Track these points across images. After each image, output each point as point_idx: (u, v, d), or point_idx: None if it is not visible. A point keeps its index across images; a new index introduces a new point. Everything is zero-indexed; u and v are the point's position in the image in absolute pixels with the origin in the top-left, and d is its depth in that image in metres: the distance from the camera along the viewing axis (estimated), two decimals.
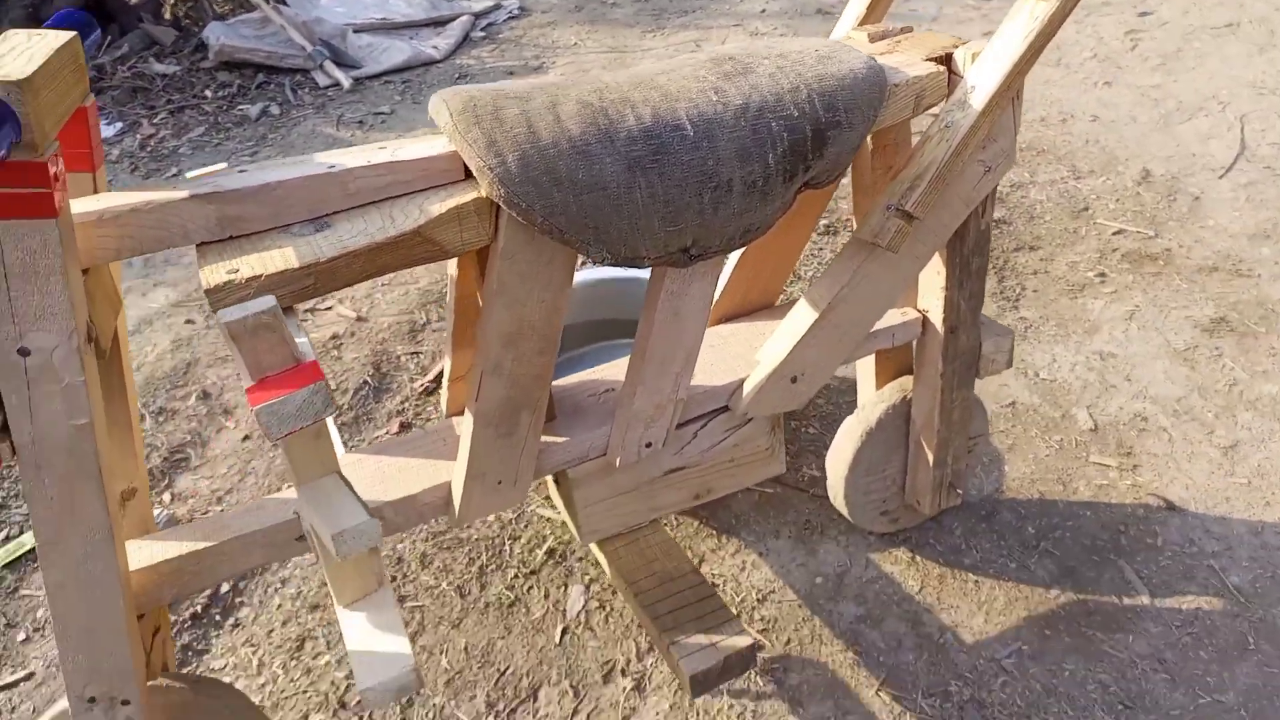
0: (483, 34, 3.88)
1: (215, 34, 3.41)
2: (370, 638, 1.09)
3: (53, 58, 0.84)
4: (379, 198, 1.03)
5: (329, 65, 3.42)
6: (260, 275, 0.91)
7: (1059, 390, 2.00)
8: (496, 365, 1.10)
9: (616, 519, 1.34)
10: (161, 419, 2.02)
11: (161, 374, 2.12)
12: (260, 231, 0.99)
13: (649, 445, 1.26)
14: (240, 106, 3.25)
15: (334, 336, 2.23)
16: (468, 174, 1.05)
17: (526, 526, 1.77)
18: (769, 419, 1.38)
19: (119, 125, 3.13)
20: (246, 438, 1.98)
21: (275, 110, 3.25)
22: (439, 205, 1.00)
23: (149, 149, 3.05)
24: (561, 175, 0.99)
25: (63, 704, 1.14)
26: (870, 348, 1.39)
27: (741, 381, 1.33)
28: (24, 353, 0.87)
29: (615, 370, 1.38)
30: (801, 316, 1.29)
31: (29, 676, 1.58)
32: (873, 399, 1.54)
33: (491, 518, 1.79)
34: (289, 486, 1.81)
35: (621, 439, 1.23)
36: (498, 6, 4.07)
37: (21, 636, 1.64)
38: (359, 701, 1.50)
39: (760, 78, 1.11)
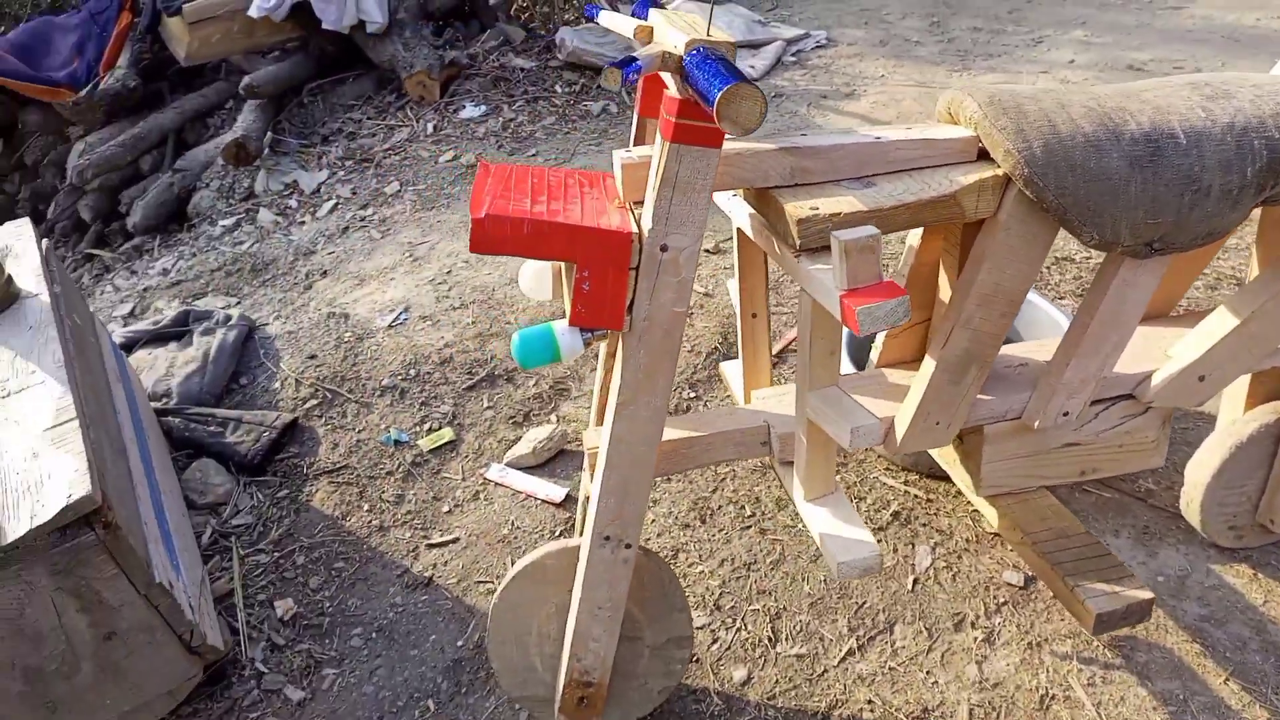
0: (793, 59, 4.15)
1: (567, 38, 3.84)
2: (835, 526, 1.31)
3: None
4: (909, 167, 1.26)
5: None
6: (839, 213, 1.15)
7: None
8: (968, 321, 1.30)
9: (1012, 479, 1.51)
10: None
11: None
12: (819, 183, 1.24)
13: (1066, 414, 1.43)
14: (584, 103, 3.65)
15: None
16: (979, 156, 1.27)
17: (870, 490, 1.96)
18: (1161, 414, 1.52)
19: (484, 108, 3.59)
20: None
21: (614, 109, 3.63)
22: (965, 177, 1.22)
23: (510, 130, 3.48)
24: (1076, 163, 1.19)
25: (556, 545, 1.42)
26: (1271, 362, 1.51)
27: (1148, 374, 1.48)
28: (664, 249, 1.15)
29: (1025, 349, 1.56)
30: (1220, 321, 1.43)
31: (455, 540, 1.91)
32: (1246, 416, 1.64)
33: (838, 478, 1.99)
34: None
35: (1044, 404, 1.41)
36: (806, 35, 4.34)
37: (445, 509, 1.99)
38: (732, 606, 1.73)
39: (1242, 101, 1.27)
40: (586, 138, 3.44)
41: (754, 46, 4.17)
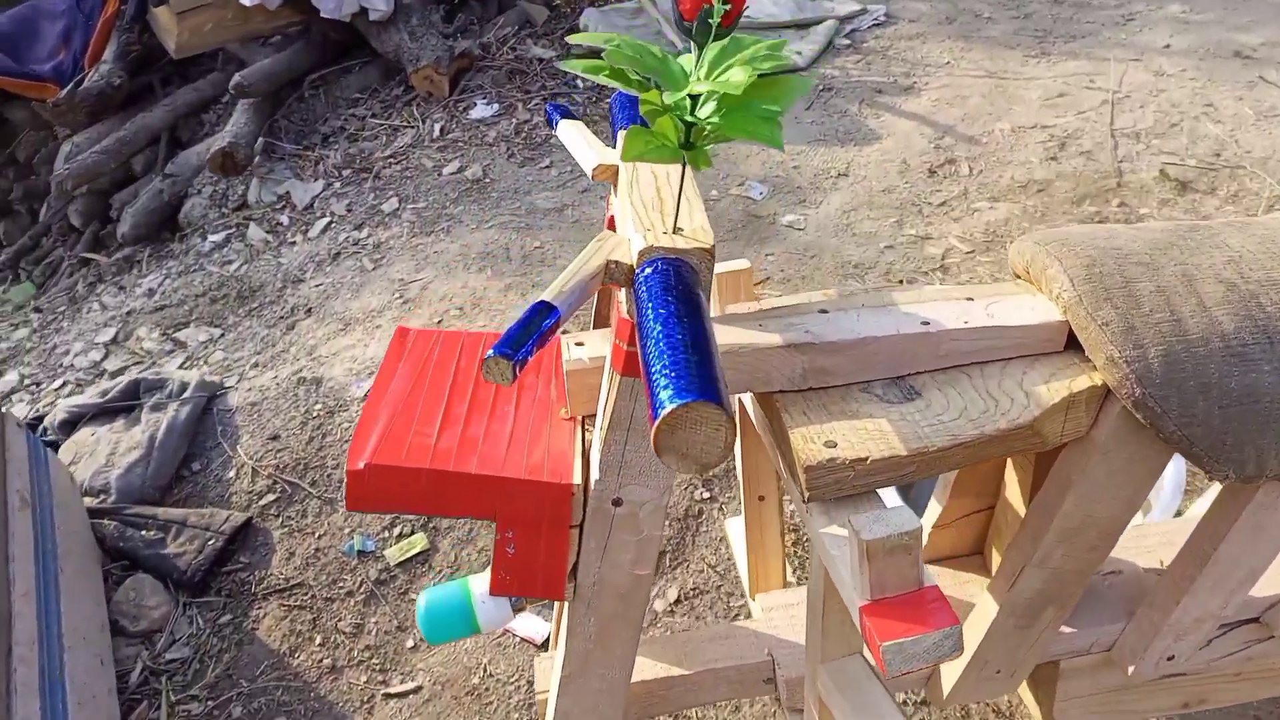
0: (846, 41, 3.70)
1: (591, 22, 3.44)
2: None
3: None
4: (966, 362, 0.91)
5: None
6: (865, 459, 0.81)
7: None
8: (1045, 559, 0.96)
9: (1092, 716, 1.17)
10: None
11: None
12: (839, 385, 0.89)
13: (1170, 659, 1.08)
14: (608, 99, 3.26)
15: None
16: (1069, 343, 0.91)
17: None
18: None
19: (496, 107, 3.23)
20: None
21: None
22: (1047, 390, 0.87)
23: (523, 135, 3.13)
24: (1211, 381, 0.83)
25: None
26: None
27: None
28: (617, 503, 0.83)
29: (1121, 544, 1.20)
30: None
31: (416, 689, 1.63)
32: None
33: None
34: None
35: (1143, 647, 1.06)
36: (864, 11, 3.87)
37: (410, 643, 1.70)
38: None
39: None
40: (608, 143, 3.07)
41: (802, 27, 3.72)
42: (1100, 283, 0.87)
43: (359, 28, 3.40)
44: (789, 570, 1.31)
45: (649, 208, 0.77)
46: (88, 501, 1.87)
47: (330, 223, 2.92)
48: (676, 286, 0.66)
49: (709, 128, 0.67)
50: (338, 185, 3.06)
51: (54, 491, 1.69)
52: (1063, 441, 0.89)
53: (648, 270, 0.69)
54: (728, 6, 0.64)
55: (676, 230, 0.74)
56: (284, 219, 3.00)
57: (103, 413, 2.06)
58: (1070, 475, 0.92)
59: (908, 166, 2.80)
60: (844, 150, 2.96)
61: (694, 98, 0.68)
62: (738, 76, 0.63)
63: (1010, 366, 0.90)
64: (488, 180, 2.94)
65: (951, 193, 2.66)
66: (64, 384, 2.69)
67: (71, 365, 2.83)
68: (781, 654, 1.11)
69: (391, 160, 3.11)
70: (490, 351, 0.58)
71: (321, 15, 3.28)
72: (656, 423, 0.55)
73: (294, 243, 2.91)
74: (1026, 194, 2.61)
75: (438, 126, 3.22)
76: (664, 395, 0.56)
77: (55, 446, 2.04)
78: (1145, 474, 0.91)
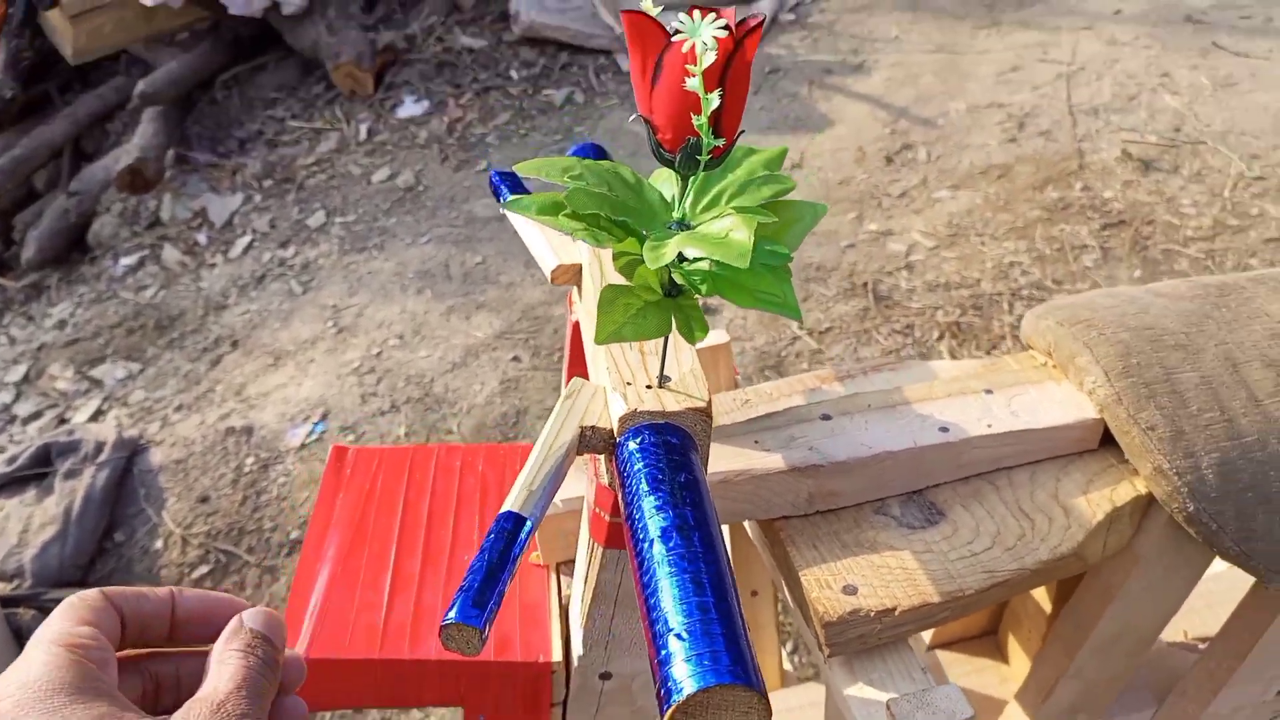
0: (791, 16, 3.56)
1: (522, 8, 3.25)
2: None
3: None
4: (990, 468, 0.80)
5: None
6: (893, 610, 0.69)
7: None
8: (1080, 671, 0.86)
9: None
10: None
11: (491, 421, 2.00)
12: (850, 507, 0.78)
13: None
14: (545, 91, 3.09)
15: None
16: (1103, 441, 0.80)
17: None
18: None
19: (426, 104, 3.04)
20: None
21: (579, 98, 3.08)
22: (1087, 505, 0.76)
23: (456, 134, 2.94)
24: (1272, 492, 0.73)
25: None
26: None
27: None
28: (605, 677, 0.70)
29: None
30: None
31: None
32: None
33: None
34: None
35: None
36: None
37: None
38: None
39: None
40: (547, 138, 2.90)
41: (748, 1, 3.57)
42: (1139, 376, 0.76)
43: (272, 22, 3.17)
44: (783, 657, 1.21)
45: (626, 345, 0.64)
46: (0, 588, 1.70)
47: (252, 241, 2.72)
48: (671, 474, 0.53)
49: (699, 283, 0.53)
50: (258, 198, 2.85)
51: None
52: (1102, 558, 0.78)
53: (632, 445, 0.56)
54: (720, 142, 0.50)
55: (663, 381, 0.60)
56: (201, 238, 2.79)
57: (12, 482, 1.87)
58: (1109, 588, 0.82)
59: (864, 154, 2.69)
60: (796, 138, 2.84)
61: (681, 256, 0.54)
62: (738, 235, 0.49)
63: (1040, 474, 0.79)
64: (421, 188, 2.76)
65: (911, 182, 2.56)
66: None
67: None
68: None
69: (315, 168, 2.90)
70: (450, 615, 0.45)
71: (230, 12, 3.04)
72: (669, 712, 0.43)
73: (214, 264, 2.71)
74: (988, 180, 2.52)
75: (364, 128, 3.01)
76: (677, 673, 0.43)
77: None
78: (1189, 579, 0.82)
